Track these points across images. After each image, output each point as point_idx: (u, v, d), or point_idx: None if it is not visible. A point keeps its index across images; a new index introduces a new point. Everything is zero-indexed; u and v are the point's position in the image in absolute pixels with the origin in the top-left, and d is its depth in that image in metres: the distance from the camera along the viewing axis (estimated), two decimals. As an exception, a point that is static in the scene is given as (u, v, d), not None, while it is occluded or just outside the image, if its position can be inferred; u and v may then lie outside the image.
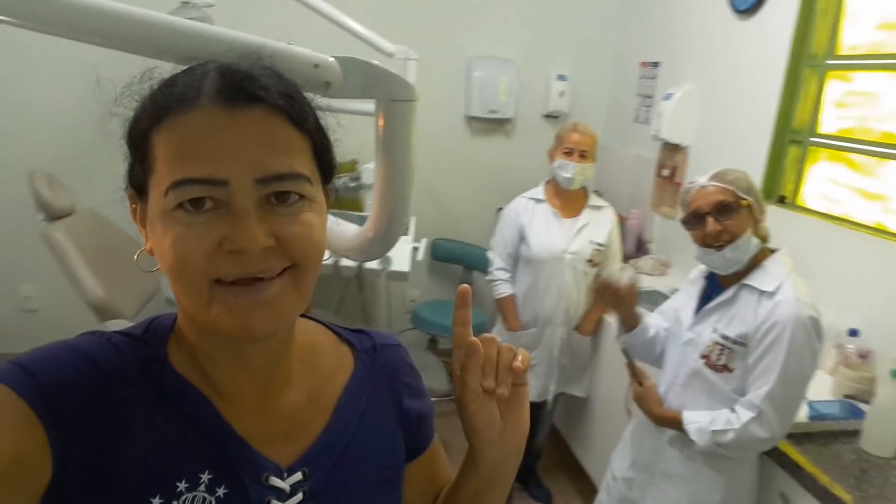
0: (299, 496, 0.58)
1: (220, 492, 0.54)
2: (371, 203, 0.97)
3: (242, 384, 0.58)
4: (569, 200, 2.40)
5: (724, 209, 1.43)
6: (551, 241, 2.36)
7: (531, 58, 3.54)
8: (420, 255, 2.78)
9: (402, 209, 0.95)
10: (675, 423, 1.51)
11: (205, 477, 0.54)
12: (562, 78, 3.56)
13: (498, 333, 2.52)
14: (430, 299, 3.64)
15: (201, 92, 0.51)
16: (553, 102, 3.58)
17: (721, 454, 1.46)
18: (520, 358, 0.63)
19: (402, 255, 2.58)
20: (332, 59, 0.85)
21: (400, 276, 2.55)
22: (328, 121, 0.59)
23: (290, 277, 0.53)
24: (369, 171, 2.81)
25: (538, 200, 2.43)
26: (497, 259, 2.48)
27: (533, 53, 3.55)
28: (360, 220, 1.05)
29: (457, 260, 3.62)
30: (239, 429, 0.57)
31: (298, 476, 0.58)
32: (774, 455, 1.50)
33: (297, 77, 0.80)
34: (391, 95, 0.90)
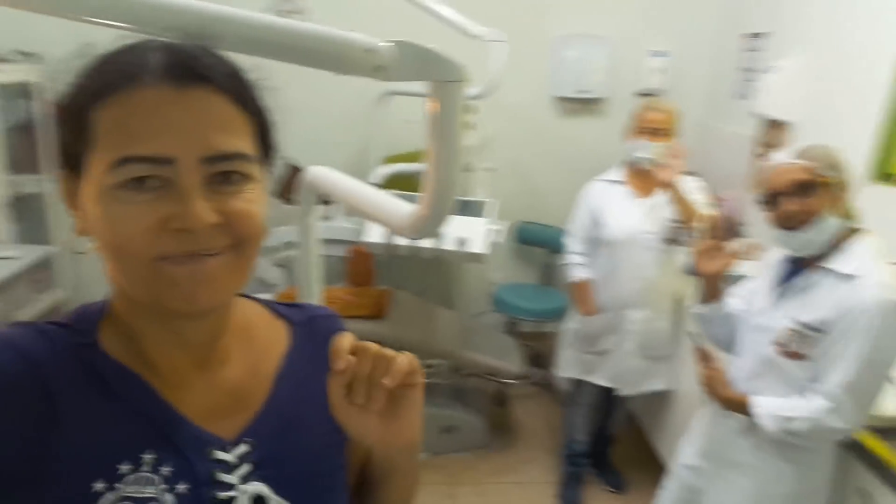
0: (247, 467, 0.58)
1: (165, 470, 0.54)
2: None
3: (181, 362, 0.59)
4: (646, 180, 2.31)
5: (802, 188, 1.35)
6: (627, 221, 2.31)
7: (625, 35, 3.42)
8: (502, 238, 2.80)
9: (451, 188, 0.97)
10: (743, 407, 1.45)
11: (147, 457, 0.54)
12: (659, 55, 3.43)
13: (573, 319, 2.51)
14: (512, 282, 3.65)
15: (147, 69, 0.51)
16: (649, 80, 3.45)
17: (793, 443, 1.39)
18: (393, 369, 0.57)
19: (481, 237, 2.61)
20: (383, 44, 0.88)
21: (477, 259, 2.58)
22: (275, 102, 0.60)
23: (232, 254, 0.54)
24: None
25: (614, 182, 2.38)
26: (573, 243, 2.46)
27: (627, 30, 3.43)
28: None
29: (541, 243, 3.60)
30: (179, 407, 0.58)
31: (244, 448, 0.59)
32: (855, 448, 1.41)
33: (349, 62, 0.84)
34: (442, 77, 0.91)
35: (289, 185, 3.26)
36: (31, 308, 2.86)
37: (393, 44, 0.89)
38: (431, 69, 0.89)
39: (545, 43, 3.44)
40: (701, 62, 3.48)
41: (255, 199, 0.55)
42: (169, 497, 0.53)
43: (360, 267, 2.89)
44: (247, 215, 0.54)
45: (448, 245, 2.51)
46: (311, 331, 0.71)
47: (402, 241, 2.46)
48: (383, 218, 1.15)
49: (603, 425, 2.68)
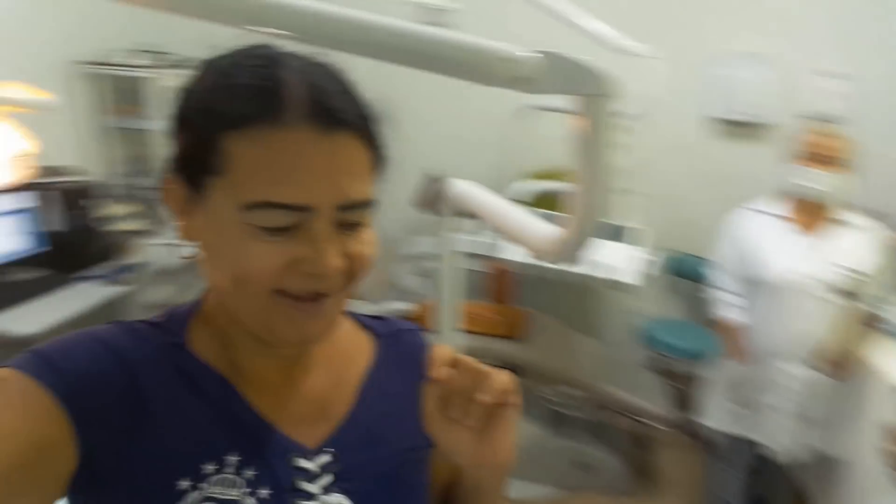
0: (328, 477, 0.58)
1: (249, 473, 0.55)
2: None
3: (268, 369, 0.60)
4: (810, 214, 2.03)
5: None
6: (787, 261, 2.02)
7: (796, 54, 3.08)
8: (654, 269, 2.61)
9: (596, 212, 0.89)
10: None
11: (232, 458, 0.55)
12: (838, 77, 3.05)
13: (722, 364, 2.26)
14: (662, 317, 3.40)
15: (291, 107, 0.50)
16: (823, 104, 3.08)
17: None
18: (491, 386, 0.54)
19: (632, 266, 2.44)
20: (529, 54, 0.83)
21: (626, 288, 2.42)
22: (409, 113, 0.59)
23: (343, 291, 0.56)
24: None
25: (769, 213, 2.11)
26: (722, 278, 2.21)
27: (799, 48, 3.08)
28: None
29: (695, 277, 3.32)
30: (264, 411, 0.58)
31: (326, 458, 0.59)
32: None
33: (486, 71, 0.80)
34: (590, 91, 0.84)
35: (429, 196, 3.30)
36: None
37: (535, 54, 0.83)
38: (578, 82, 0.82)
39: (701, 61, 3.19)
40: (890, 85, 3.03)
41: (372, 238, 0.56)
42: (251, 501, 0.54)
43: (501, 284, 2.84)
44: (366, 257, 0.55)
45: (596, 271, 2.38)
46: (395, 344, 0.71)
47: (546, 262, 2.38)
48: (523, 238, 1.08)
49: (761, 493, 2.37)
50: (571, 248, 0.95)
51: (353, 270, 0.54)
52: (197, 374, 0.57)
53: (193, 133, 0.52)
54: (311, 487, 0.57)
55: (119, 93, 3.18)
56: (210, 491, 0.53)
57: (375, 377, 0.67)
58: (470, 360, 0.56)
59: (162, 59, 3.13)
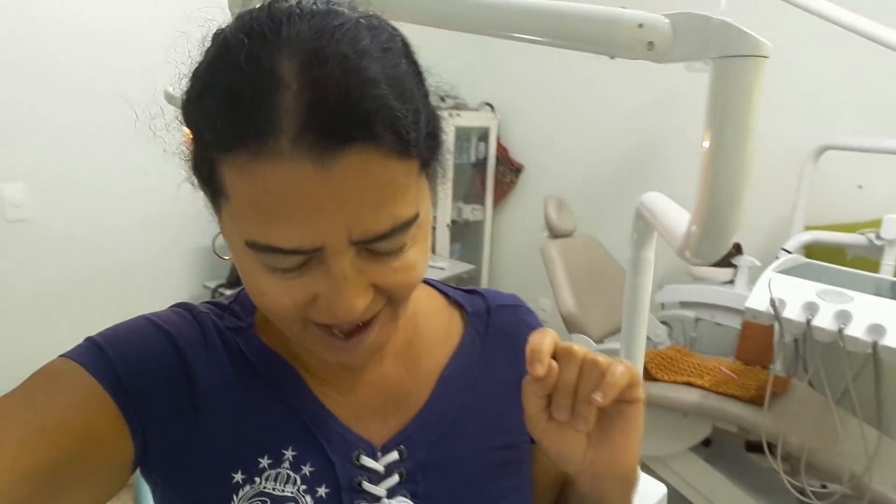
0: (395, 478, 0.52)
1: (306, 469, 0.50)
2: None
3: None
4: None
5: None
6: None
7: None
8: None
9: (731, 194, 0.74)
10: None
11: (288, 453, 0.51)
12: None
13: None
14: None
15: (281, 127, 0.38)
16: None
17: None
18: (607, 381, 0.44)
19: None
20: (658, 17, 0.76)
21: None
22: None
23: (386, 313, 0.48)
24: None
25: None
26: None
27: None
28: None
29: None
30: (328, 403, 0.53)
31: (394, 455, 0.53)
32: None
33: (620, 41, 0.77)
34: (727, 51, 0.73)
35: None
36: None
37: (672, 16, 0.75)
38: (716, 43, 0.70)
39: None
40: None
41: (416, 259, 0.46)
42: (308, 499, 0.49)
43: (753, 343, 2.45)
44: (406, 284, 0.46)
45: (889, 340, 1.90)
46: (490, 323, 0.62)
47: (820, 323, 1.97)
48: (667, 234, 0.94)
49: None
50: (706, 245, 0.80)
51: (387, 296, 0.46)
52: (261, 361, 0.53)
53: (195, 149, 0.45)
54: (375, 489, 0.51)
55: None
56: (264, 486, 0.49)
57: (461, 362, 0.59)
58: (580, 348, 0.46)
59: (450, 103, 3.49)
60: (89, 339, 0.50)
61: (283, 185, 0.39)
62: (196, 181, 0.46)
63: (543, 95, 3.56)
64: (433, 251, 3.55)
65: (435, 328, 0.60)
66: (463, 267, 3.33)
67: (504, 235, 3.87)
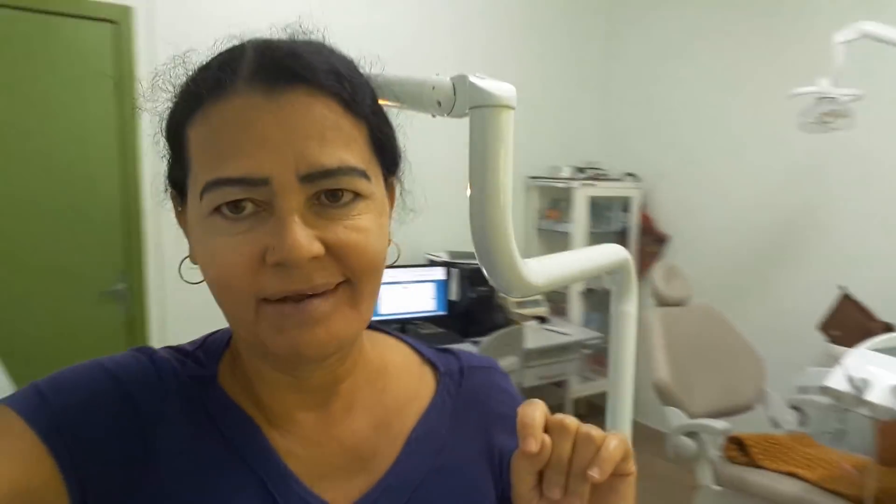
0: None
1: None
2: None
3: (297, 409, 0.51)
4: None
5: None
6: None
7: None
8: None
9: (494, 230, 0.83)
10: None
11: None
12: None
13: None
14: None
15: (237, 75, 0.44)
16: None
17: None
18: (602, 456, 0.43)
19: None
20: (444, 79, 0.91)
21: None
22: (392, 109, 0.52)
23: (344, 294, 0.46)
24: None
25: None
26: None
27: None
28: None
29: None
30: (289, 461, 0.50)
31: None
32: None
33: (423, 100, 0.94)
34: (475, 102, 0.85)
35: (836, 318, 2.65)
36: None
37: (454, 78, 0.89)
38: (470, 97, 0.83)
39: None
40: None
41: (368, 225, 0.46)
42: None
43: (892, 439, 2.06)
44: (355, 246, 0.45)
45: None
46: (462, 383, 0.60)
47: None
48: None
49: None
50: (490, 278, 0.87)
51: (340, 264, 0.45)
52: (221, 414, 0.50)
53: (167, 138, 0.48)
54: None
55: (551, 200, 3.78)
56: None
57: (431, 423, 0.56)
58: (572, 420, 0.45)
59: (589, 173, 3.59)
60: (33, 385, 0.47)
61: (235, 116, 0.43)
62: (171, 187, 0.50)
63: (690, 164, 3.47)
64: (564, 315, 3.57)
65: (406, 385, 0.58)
66: (588, 334, 3.30)
67: (643, 307, 3.73)
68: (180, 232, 0.51)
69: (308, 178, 0.43)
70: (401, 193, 0.55)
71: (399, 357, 0.59)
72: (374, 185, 0.47)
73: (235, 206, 0.43)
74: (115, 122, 2.59)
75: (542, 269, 0.94)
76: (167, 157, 0.50)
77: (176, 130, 0.47)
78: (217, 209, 0.43)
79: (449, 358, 0.62)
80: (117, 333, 2.73)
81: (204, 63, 0.47)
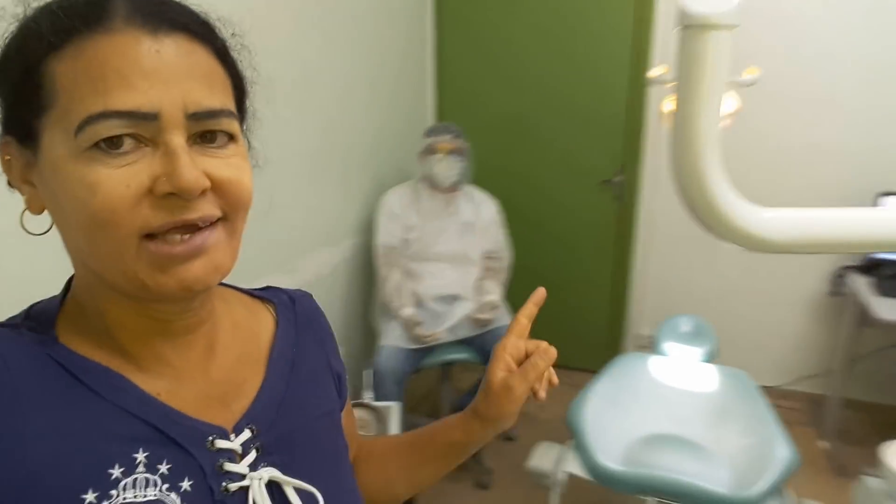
0: (253, 454, 0.55)
1: (163, 468, 0.49)
2: None
3: (165, 352, 0.53)
4: None
5: None
6: None
7: None
8: None
9: (697, 147, 0.70)
10: None
11: (140, 456, 0.48)
12: None
13: None
14: None
15: (114, 13, 0.44)
16: None
17: None
18: (550, 354, 0.69)
19: None
20: None
21: None
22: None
23: (223, 228, 0.50)
24: None
25: None
26: None
27: None
28: None
29: None
30: (169, 400, 0.52)
31: (247, 434, 0.55)
32: None
33: None
34: (679, 23, 0.73)
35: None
36: None
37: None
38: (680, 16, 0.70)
39: None
40: None
41: (242, 164, 0.50)
42: (174, 496, 0.49)
43: None
44: (235, 182, 0.49)
45: None
46: (295, 310, 0.69)
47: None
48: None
49: None
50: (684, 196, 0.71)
51: (224, 196, 0.48)
52: (80, 370, 0.49)
53: (10, 74, 0.46)
54: (238, 467, 0.53)
55: None
56: (124, 497, 0.46)
57: (282, 346, 0.64)
58: (542, 344, 0.70)
59: None
60: None
61: (120, 51, 0.43)
62: (9, 136, 0.47)
63: None
64: None
65: (251, 320, 0.64)
66: None
67: None
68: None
69: (194, 116, 0.45)
70: (249, 149, 0.56)
71: (234, 298, 0.65)
72: (241, 138, 0.52)
73: (113, 141, 0.43)
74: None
75: (783, 223, 0.71)
76: (5, 98, 0.47)
77: (29, 66, 0.45)
78: (96, 144, 0.43)
79: (275, 292, 0.69)
80: (609, 223, 3.05)
81: (53, 1, 0.46)
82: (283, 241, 2.09)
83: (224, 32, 0.51)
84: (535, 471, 1.72)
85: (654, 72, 1.90)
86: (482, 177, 2.66)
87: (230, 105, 0.49)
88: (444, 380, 2.61)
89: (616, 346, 3.18)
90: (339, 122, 2.34)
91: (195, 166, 0.45)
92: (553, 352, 0.69)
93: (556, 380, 0.71)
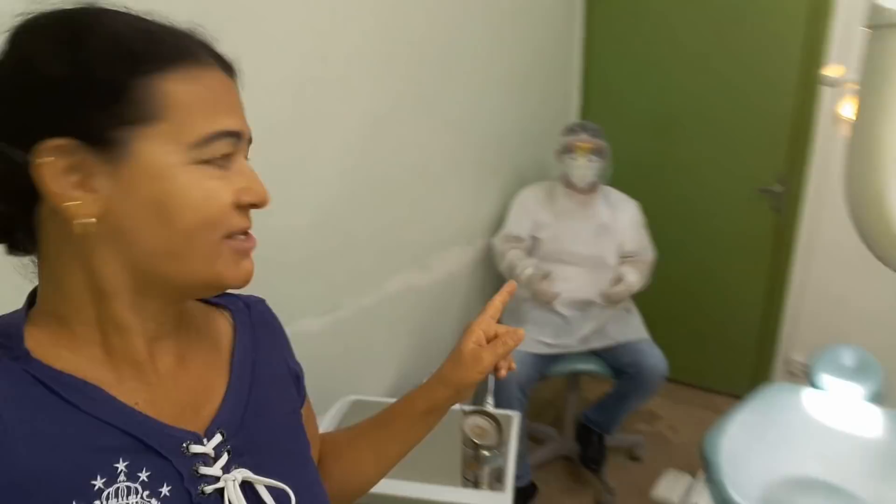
0: (224, 457, 0.57)
1: (143, 475, 0.51)
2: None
3: (146, 357, 0.56)
4: None
5: None
6: None
7: None
8: None
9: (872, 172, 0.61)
10: None
11: (121, 465, 0.50)
12: None
13: None
14: None
15: (201, 51, 0.54)
16: None
17: None
18: (519, 335, 0.77)
19: None
20: None
21: None
22: None
23: None
24: None
25: None
26: None
27: None
28: None
29: None
30: (146, 409, 0.54)
31: (218, 438, 0.58)
32: None
33: None
34: (870, 21, 0.64)
35: None
36: None
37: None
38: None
39: None
40: None
41: None
42: (155, 502, 0.51)
43: None
44: (267, 196, 0.59)
45: None
46: (251, 315, 0.72)
47: None
48: None
49: None
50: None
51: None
52: (55, 383, 0.50)
53: (100, 86, 0.48)
54: (212, 470, 0.56)
55: None
56: None
57: (242, 350, 0.67)
58: (501, 327, 0.78)
59: None
60: None
61: (219, 82, 0.54)
62: (67, 139, 0.48)
63: None
64: None
65: (212, 327, 0.67)
66: None
67: None
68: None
69: (250, 140, 0.58)
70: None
71: (192, 305, 0.66)
72: None
73: (227, 157, 0.54)
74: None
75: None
76: (63, 104, 0.48)
77: (118, 80, 0.48)
78: (213, 159, 0.52)
79: (230, 298, 0.71)
80: (765, 235, 2.80)
81: (148, 24, 0.52)
82: (417, 239, 2.13)
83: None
84: (660, 501, 1.61)
85: (829, 70, 1.69)
86: (625, 178, 2.55)
87: None
88: (572, 389, 2.53)
89: (764, 372, 2.91)
90: (475, 122, 2.35)
91: None
92: (521, 334, 0.76)
93: (514, 365, 0.77)
